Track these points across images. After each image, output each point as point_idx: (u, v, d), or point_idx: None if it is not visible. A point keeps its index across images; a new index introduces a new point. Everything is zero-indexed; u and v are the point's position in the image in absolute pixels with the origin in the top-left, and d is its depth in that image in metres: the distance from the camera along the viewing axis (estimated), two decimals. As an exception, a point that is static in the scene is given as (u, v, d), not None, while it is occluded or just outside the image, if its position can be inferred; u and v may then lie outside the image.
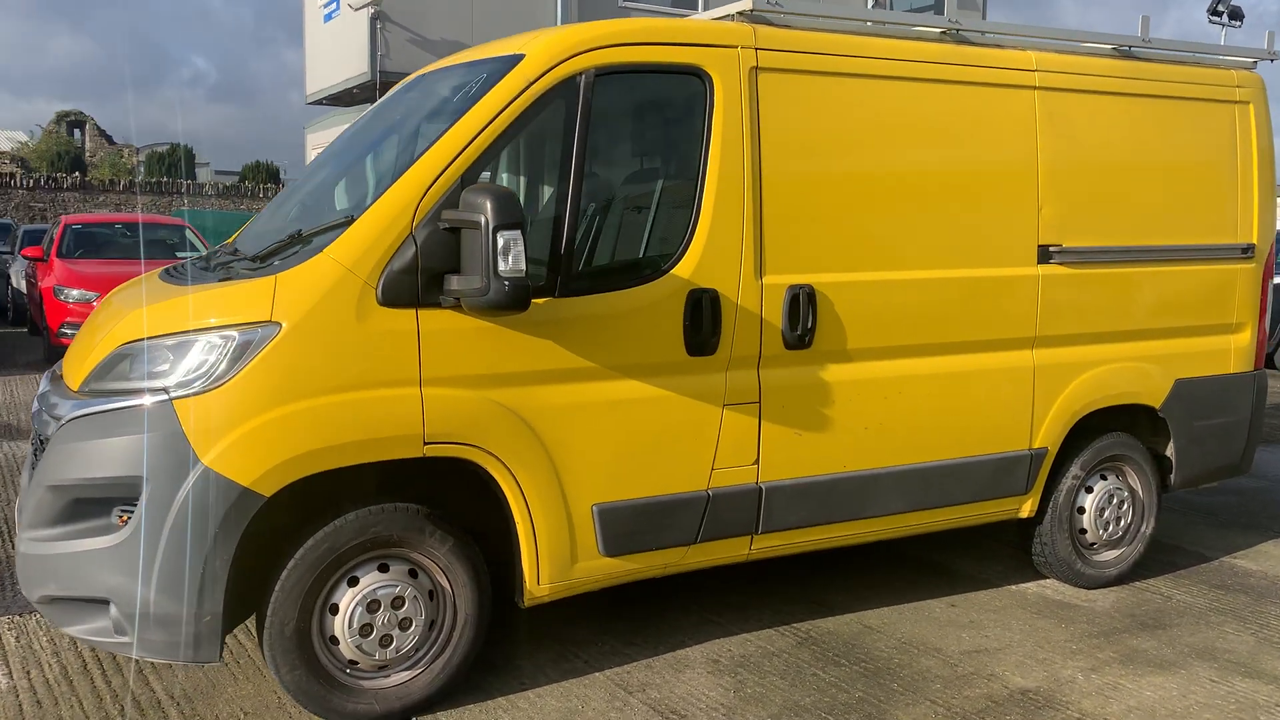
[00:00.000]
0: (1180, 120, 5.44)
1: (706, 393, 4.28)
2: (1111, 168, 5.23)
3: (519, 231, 3.57)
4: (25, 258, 14.35)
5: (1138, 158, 5.32)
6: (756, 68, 4.30)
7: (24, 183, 35.89)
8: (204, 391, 3.57)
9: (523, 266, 3.58)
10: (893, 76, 4.61)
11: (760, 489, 4.42)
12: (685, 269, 4.17)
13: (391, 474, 3.96)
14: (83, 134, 53.81)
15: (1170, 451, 5.61)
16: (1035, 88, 4.96)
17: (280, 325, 3.61)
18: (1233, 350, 5.68)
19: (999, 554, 5.92)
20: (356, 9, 14.66)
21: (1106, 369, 5.26)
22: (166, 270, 4.60)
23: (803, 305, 4.39)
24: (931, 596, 5.30)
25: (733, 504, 4.38)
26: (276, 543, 3.76)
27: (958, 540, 6.10)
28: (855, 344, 4.57)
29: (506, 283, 3.56)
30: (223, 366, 3.58)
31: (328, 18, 16.20)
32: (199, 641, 3.59)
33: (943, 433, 4.82)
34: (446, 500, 4.05)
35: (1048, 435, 5.11)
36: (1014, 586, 5.48)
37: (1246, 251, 5.64)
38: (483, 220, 3.56)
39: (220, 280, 3.92)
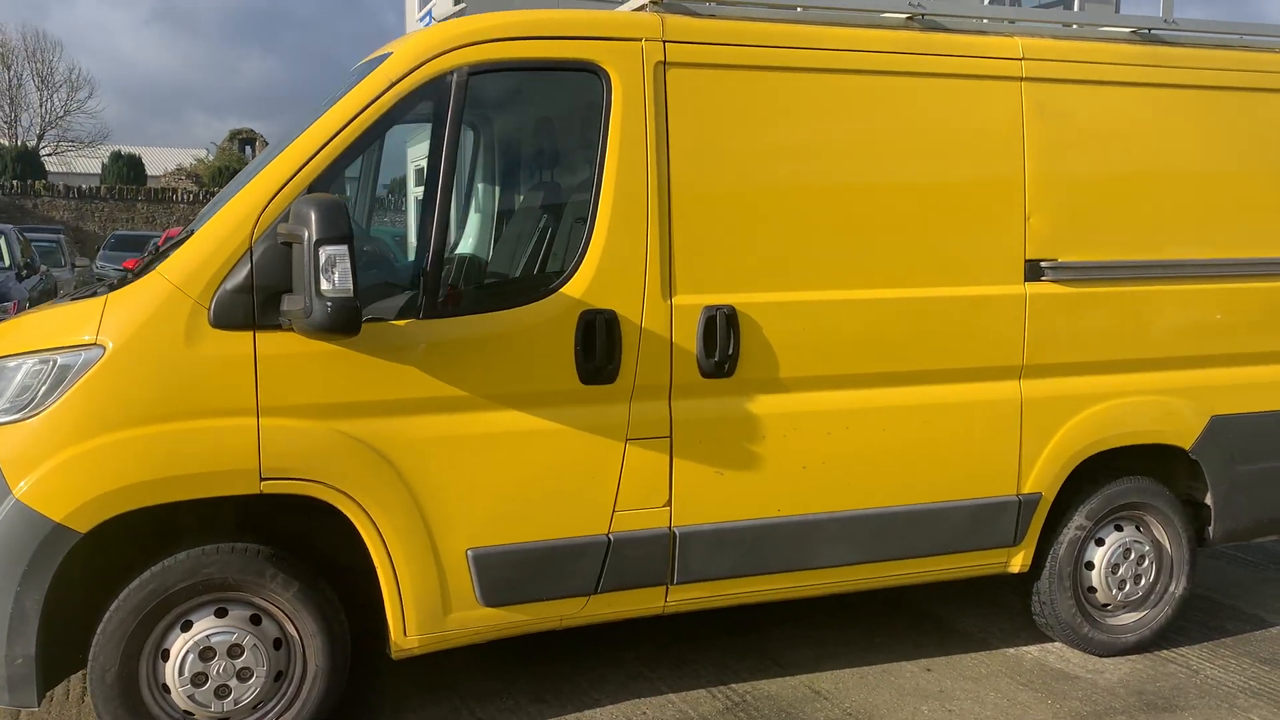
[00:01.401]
0: (1219, 113, 4.65)
1: (605, 425, 3.82)
2: (1125, 170, 4.50)
3: (345, 246, 3.22)
4: (126, 270, 14.88)
5: (1162, 158, 4.56)
6: (664, 62, 3.81)
7: (184, 197, 38.00)
8: (22, 419, 3.34)
9: (349, 286, 3.22)
10: (836, 69, 4.05)
11: (673, 534, 3.93)
12: (576, 288, 3.73)
13: (252, 510, 3.68)
14: (253, 150, 56.79)
15: (1209, 500, 4.80)
16: (1021, 79, 4.30)
17: (104, 348, 3.35)
18: (1289, 383, 4.83)
19: (1012, 609, 5.20)
20: (444, 19, 14.75)
21: (1118, 403, 4.52)
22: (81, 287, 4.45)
23: (721, 329, 3.88)
24: (910, 657, 4.67)
25: (639, 550, 3.91)
26: (113, 583, 3.51)
27: (969, 591, 5.40)
28: (790, 372, 4.02)
29: (329, 303, 3.21)
30: (42, 392, 3.35)
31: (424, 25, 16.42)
32: (13, 685, 3.36)
33: (903, 474, 4.21)
34: (316, 539, 3.74)
35: (1041, 479, 4.42)
36: (1012, 650, 4.78)
37: (1306, 267, 4.79)
38: (306, 234, 3.22)
39: (76, 299, 3.71)
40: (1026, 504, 4.41)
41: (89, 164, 46.67)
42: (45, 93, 45.64)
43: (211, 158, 53.50)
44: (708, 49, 3.88)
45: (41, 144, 44.51)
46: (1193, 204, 4.61)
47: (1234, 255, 4.67)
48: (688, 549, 3.95)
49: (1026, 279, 4.32)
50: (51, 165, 43.65)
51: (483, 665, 4.44)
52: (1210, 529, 4.82)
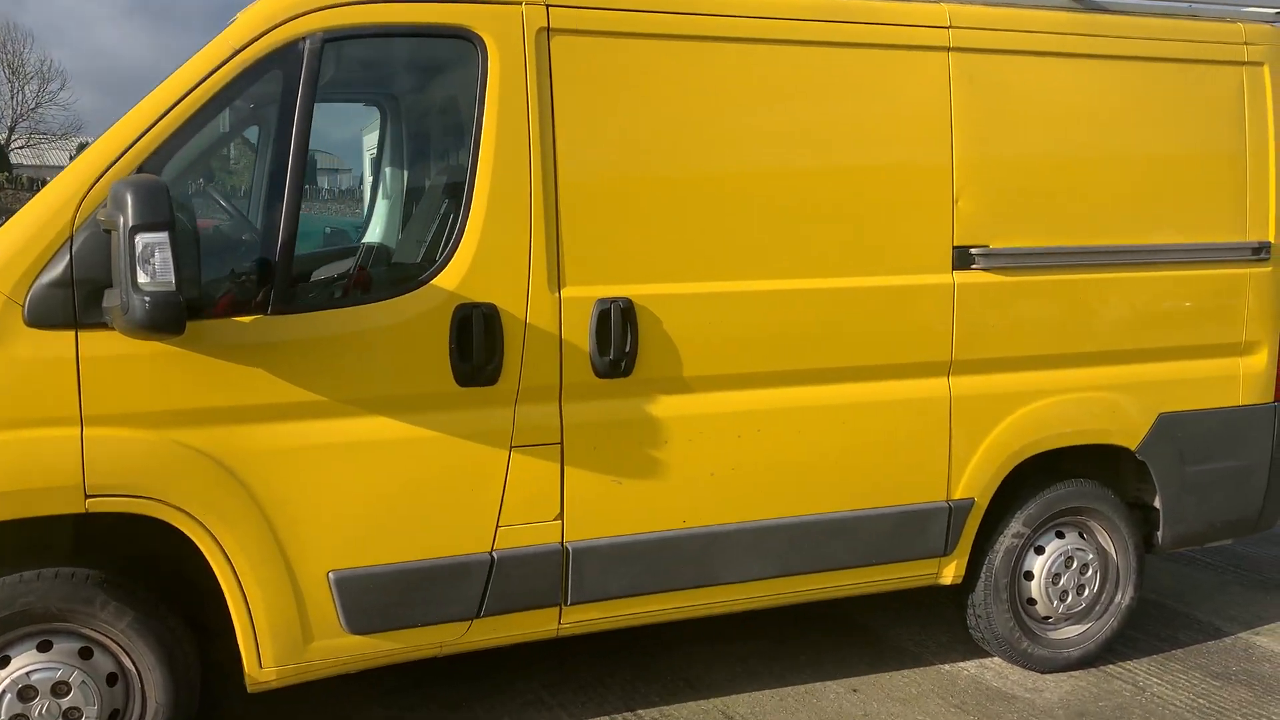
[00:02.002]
0: (1164, 88, 4.31)
1: (486, 432, 3.46)
2: (1063, 148, 4.15)
3: (165, 234, 2.83)
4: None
5: (1103, 135, 4.22)
6: (547, 28, 3.44)
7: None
8: None
9: (170, 278, 2.83)
10: (744, 38, 3.69)
11: (566, 550, 3.58)
12: (450, 279, 3.37)
13: (101, 529, 3.30)
14: (224, 143, 56.11)
15: (1158, 503, 4.48)
16: (948, 49, 3.95)
17: (-98, 352, 2.96)
18: (1242, 377, 4.50)
19: (951, 621, 4.85)
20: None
21: (1057, 401, 4.19)
22: None
23: (616, 323, 3.52)
24: (836, 676, 4.33)
25: (527, 569, 3.55)
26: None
27: (907, 603, 5.05)
28: (695, 371, 3.67)
29: (147, 298, 2.82)
30: None
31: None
32: None
33: (820, 480, 3.87)
34: (164, 561, 3.37)
35: (973, 483, 4.08)
36: (947, 666, 4.45)
37: (1259, 252, 4.45)
38: (121, 220, 2.84)
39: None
40: (958, 510, 4.07)
41: (61, 156, 45.92)
42: (16, 84, 44.85)
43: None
44: (597, 14, 3.51)
45: (13, 137, 43.79)
46: (1137, 185, 4.28)
47: (1181, 240, 4.34)
48: (582, 566, 3.60)
49: (955, 267, 3.97)
50: (25, 158, 42.95)
51: (368, 690, 4.07)
52: (1159, 534, 4.50)
